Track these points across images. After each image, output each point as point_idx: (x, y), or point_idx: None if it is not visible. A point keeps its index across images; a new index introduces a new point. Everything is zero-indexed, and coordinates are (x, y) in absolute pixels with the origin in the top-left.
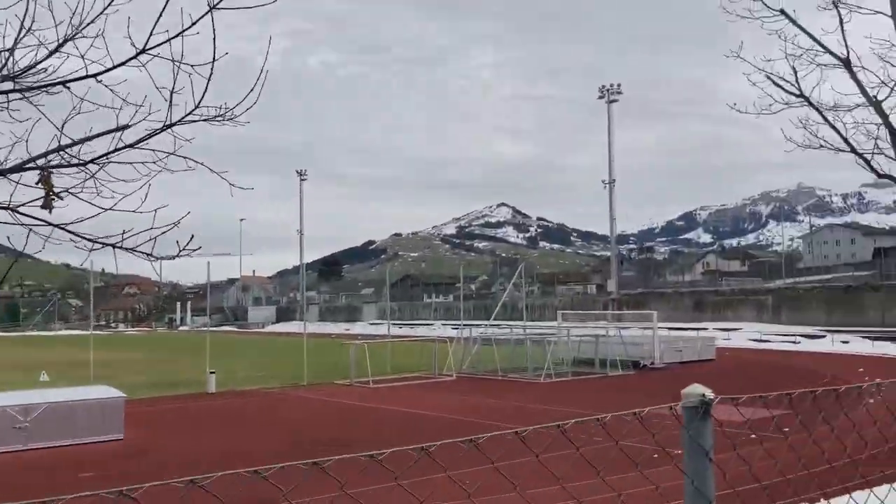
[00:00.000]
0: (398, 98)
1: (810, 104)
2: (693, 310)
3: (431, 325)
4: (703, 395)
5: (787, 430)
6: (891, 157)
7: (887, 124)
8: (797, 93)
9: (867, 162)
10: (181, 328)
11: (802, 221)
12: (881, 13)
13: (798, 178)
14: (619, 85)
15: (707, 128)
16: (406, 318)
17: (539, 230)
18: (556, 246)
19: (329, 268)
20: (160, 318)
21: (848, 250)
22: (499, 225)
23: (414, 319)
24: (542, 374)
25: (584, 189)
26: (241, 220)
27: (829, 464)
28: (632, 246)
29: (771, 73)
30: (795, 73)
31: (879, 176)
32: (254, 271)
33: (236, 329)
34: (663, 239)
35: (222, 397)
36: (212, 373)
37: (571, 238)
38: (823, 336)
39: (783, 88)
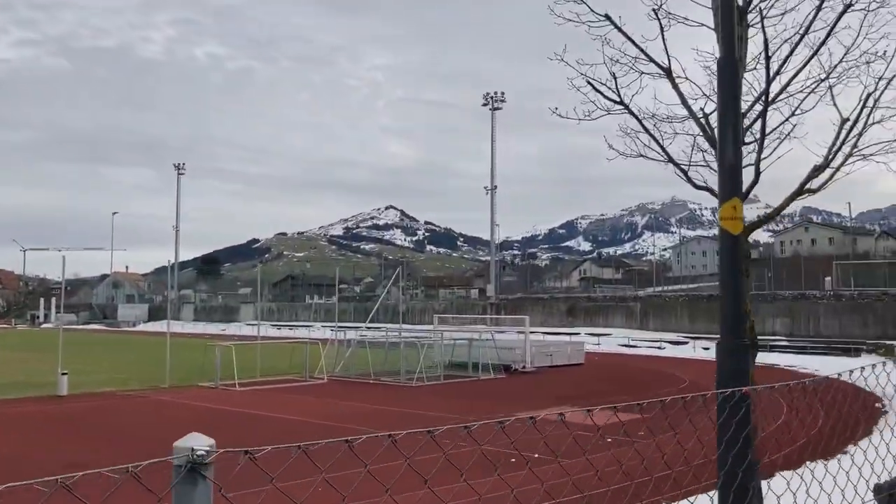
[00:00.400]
0: (287, 95)
1: (629, 112)
2: (567, 315)
3: (311, 326)
4: (193, 449)
5: (641, 433)
6: (715, 170)
7: (708, 136)
8: (617, 99)
9: (684, 173)
10: (44, 325)
11: (674, 233)
12: (705, 25)
13: (672, 191)
14: (502, 93)
15: (589, 139)
16: (285, 320)
17: (426, 234)
18: (442, 250)
19: (208, 266)
20: (21, 315)
21: (713, 261)
22: (386, 227)
23: (294, 321)
24: (414, 377)
25: (472, 194)
26: (114, 213)
27: (665, 469)
28: (515, 252)
29: (592, 79)
30: (615, 79)
31: (696, 187)
32: (127, 267)
33: (104, 328)
34: (546, 246)
35: (73, 400)
36: (64, 374)
37: (458, 242)
38: (686, 342)
39: (603, 94)
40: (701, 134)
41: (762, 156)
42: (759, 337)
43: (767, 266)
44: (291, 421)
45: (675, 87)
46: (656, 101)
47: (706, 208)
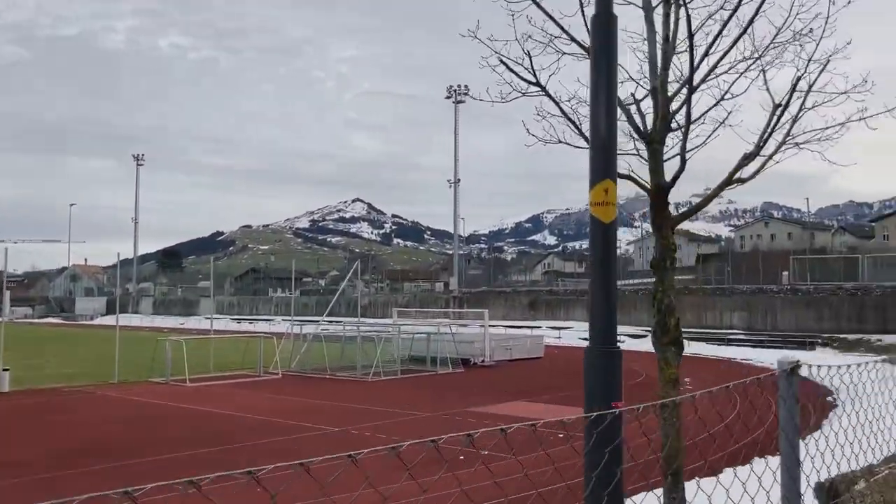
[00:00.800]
0: (252, 87)
1: (545, 93)
2: (529, 309)
3: (272, 320)
4: None
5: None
6: (644, 159)
7: (631, 122)
8: (532, 80)
9: None
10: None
11: (638, 227)
12: (633, 3)
13: (637, 187)
14: (466, 86)
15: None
16: (246, 313)
17: (394, 227)
18: (410, 243)
19: (169, 259)
20: None
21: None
22: (353, 220)
23: (255, 314)
24: (371, 372)
25: (439, 188)
26: (71, 205)
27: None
28: (483, 245)
29: (507, 58)
30: (530, 57)
31: (619, 176)
32: (86, 260)
33: (61, 321)
34: (512, 240)
35: (14, 397)
36: (5, 370)
37: (425, 236)
38: (645, 336)
39: (517, 74)
40: (625, 119)
41: (692, 145)
42: (716, 331)
43: (726, 260)
44: (232, 416)
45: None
46: (581, 85)
47: (669, 203)
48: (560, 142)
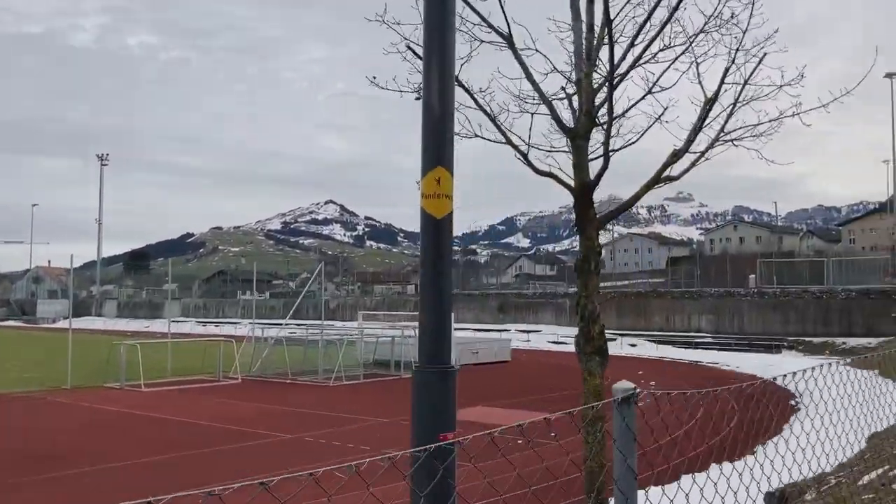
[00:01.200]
0: (224, 87)
1: (458, 83)
2: (498, 311)
3: (239, 323)
4: None
5: (553, 434)
6: (568, 154)
7: (554, 115)
8: None
9: (524, 156)
10: None
11: (611, 230)
12: None
13: (610, 189)
14: None
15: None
16: (213, 316)
17: (366, 229)
18: (383, 245)
19: (136, 261)
20: None
21: (646, 259)
22: (325, 222)
23: (221, 317)
24: (332, 376)
25: (413, 189)
26: (34, 205)
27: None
28: (456, 248)
29: (416, 44)
30: None
31: (538, 173)
32: (49, 262)
33: (21, 324)
34: (486, 242)
35: None
36: None
37: (399, 238)
38: (614, 339)
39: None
40: (549, 114)
41: (625, 144)
42: (684, 334)
43: (695, 264)
44: (185, 423)
45: (519, 58)
46: (500, 75)
47: (642, 206)
48: (476, 136)
